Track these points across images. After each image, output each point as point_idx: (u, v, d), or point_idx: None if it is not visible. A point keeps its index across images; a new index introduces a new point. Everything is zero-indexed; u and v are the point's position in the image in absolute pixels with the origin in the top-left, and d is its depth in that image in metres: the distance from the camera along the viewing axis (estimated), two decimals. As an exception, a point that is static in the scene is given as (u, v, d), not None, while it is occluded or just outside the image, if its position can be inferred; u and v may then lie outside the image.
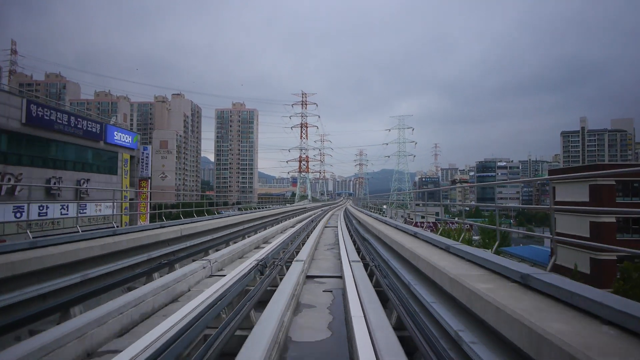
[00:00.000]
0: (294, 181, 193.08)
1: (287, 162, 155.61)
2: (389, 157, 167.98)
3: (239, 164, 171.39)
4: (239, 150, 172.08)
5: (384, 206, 43.20)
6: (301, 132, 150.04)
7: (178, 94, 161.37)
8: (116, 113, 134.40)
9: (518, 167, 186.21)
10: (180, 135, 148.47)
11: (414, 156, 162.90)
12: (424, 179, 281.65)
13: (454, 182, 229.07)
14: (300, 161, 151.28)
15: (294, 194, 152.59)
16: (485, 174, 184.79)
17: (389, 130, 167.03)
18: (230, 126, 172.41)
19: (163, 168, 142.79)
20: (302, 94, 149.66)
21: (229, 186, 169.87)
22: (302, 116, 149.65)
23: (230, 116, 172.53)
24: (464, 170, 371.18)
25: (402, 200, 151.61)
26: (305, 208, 42.51)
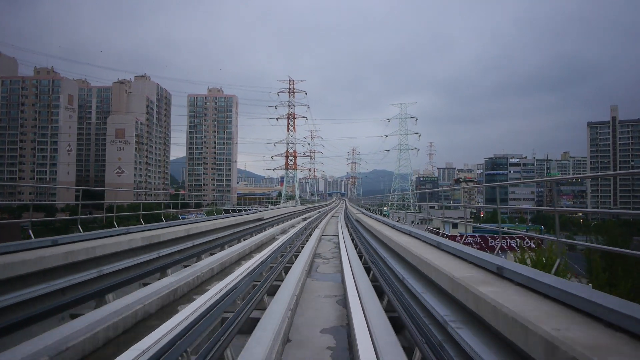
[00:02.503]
0: (282, 180, 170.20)
1: (272, 157, 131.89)
2: (388, 151, 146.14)
3: (214, 158, 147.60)
4: (215, 142, 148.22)
5: (385, 208, 34.60)
6: (288, 123, 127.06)
7: (142, 76, 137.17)
8: (59, 93, 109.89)
9: (533, 164, 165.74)
10: (141, 123, 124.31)
11: (418, 150, 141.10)
12: (421, 179, 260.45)
13: (457, 181, 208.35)
14: (287, 157, 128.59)
15: (281, 194, 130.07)
16: (495, 171, 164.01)
17: (389, 120, 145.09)
18: (205, 115, 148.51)
19: (119, 162, 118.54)
20: (289, 81, 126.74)
21: (203, 184, 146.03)
22: (289, 105, 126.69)
23: (205, 103, 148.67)
24: (462, 169, 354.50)
25: (405, 202, 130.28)
26: (260, 220, 19.52)
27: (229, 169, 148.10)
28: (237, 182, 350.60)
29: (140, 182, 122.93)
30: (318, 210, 47.01)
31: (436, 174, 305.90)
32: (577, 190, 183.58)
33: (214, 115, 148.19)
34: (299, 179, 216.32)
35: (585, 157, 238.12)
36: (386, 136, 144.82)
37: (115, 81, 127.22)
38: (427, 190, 19.83)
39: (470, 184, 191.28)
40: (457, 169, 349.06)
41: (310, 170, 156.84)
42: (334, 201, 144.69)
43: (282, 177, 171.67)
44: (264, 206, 39.87)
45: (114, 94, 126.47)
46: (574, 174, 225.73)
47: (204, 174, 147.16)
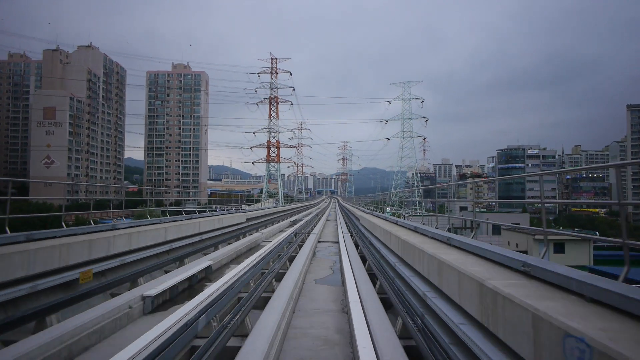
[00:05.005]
0: (269, 177, 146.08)
1: (251, 149, 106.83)
2: (389, 139, 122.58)
3: (179, 147, 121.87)
4: (180, 129, 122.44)
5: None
6: (270, 108, 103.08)
7: (87, 46, 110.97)
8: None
9: (554, 157, 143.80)
10: (79, 101, 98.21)
11: (425, 138, 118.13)
12: (418, 175, 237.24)
13: (462, 176, 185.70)
14: (268, 148, 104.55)
15: (272, 194, 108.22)
16: (510, 165, 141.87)
17: (389, 102, 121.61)
18: (168, 95, 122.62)
19: (48, 149, 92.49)
20: (272, 59, 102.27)
21: (165, 179, 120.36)
22: (271, 88, 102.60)
23: (168, 81, 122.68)
24: (460, 165, 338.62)
25: (408, 198, 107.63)
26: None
27: (197, 161, 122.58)
28: (220, 179, 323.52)
29: (77, 175, 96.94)
30: (292, 220, 22.88)
31: (432, 170, 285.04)
32: (599, 186, 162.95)
33: (179, 96, 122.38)
34: (287, 176, 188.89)
35: (599, 152, 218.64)
36: (386, 122, 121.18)
37: (46, 49, 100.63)
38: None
39: (478, 179, 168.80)
40: (455, 165, 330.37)
41: (296, 164, 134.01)
42: (323, 199, 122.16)
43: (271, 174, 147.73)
44: (233, 206, 25.73)
45: (44, 65, 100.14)
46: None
47: (166, 166, 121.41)
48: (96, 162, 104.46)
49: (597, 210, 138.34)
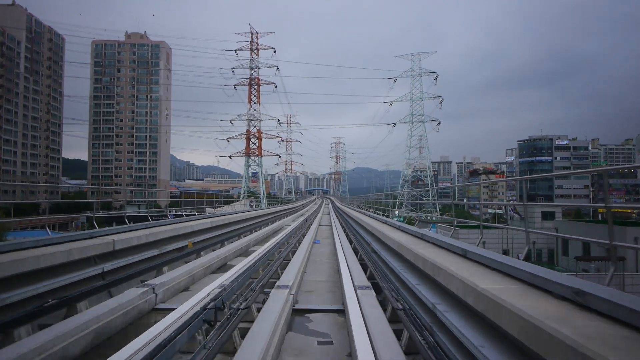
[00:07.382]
0: (254, 175, 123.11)
1: (227, 140, 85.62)
2: (394, 125, 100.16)
3: (133, 136, 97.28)
4: (134, 112, 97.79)
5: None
6: (250, 91, 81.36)
7: (9, 5, 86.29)
8: None
9: (587, 148, 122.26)
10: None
11: (439, 123, 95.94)
12: (418, 172, 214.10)
13: (473, 172, 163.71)
14: (248, 138, 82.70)
15: (253, 193, 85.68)
16: (535, 158, 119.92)
17: (395, 79, 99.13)
18: (119, 70, 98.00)
19: None
20: (251, 33, 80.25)
21: (115, 175, 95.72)
22: (251, 67, 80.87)
23: (119, 53, 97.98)
24: (461, 162, 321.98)
25: (422, 201, 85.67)
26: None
27: (155, 152, 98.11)
28: (202, 179, 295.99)
29: (-18, 169, 72.26)
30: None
31: (436, 168, 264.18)
32: (631, 184, 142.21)
33: (133, 72, 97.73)
34: (277, 176, 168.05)
35: (619, 146, 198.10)
36: (390, 103, 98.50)
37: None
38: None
39: (492, 177, 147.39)
40: (456, 163, 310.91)
41: (280, 157, 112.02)
42: (313, 200, 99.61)
43: (253, 173, 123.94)
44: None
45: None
46: (607, 162, 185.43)
47: (116, 159, 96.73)
48: (14, 152, 79.68)
49: (629, 210, 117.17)
